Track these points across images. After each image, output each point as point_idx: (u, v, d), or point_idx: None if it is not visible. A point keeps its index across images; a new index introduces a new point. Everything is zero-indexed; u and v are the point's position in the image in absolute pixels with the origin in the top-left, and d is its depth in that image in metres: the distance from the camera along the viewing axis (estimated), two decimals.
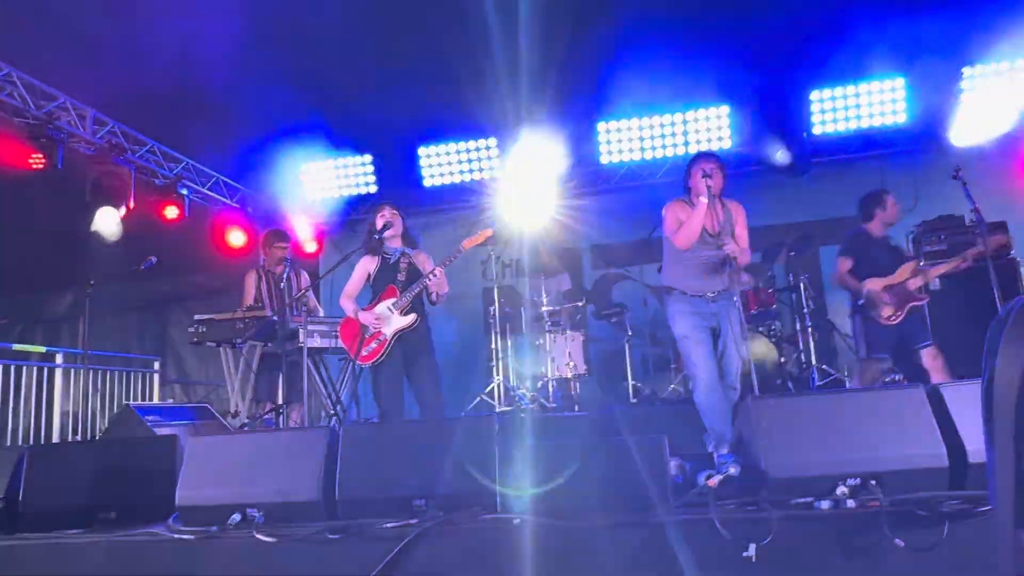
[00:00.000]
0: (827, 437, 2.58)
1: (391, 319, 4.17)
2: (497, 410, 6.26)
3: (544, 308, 6.53)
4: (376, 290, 4.32)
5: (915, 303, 4.75)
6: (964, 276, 5.33)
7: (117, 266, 6.09)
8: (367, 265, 4.40)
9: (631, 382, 6.58)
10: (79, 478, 3.10)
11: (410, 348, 4.19)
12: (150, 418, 4.55)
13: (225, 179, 8.26)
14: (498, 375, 6.45)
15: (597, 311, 7.36)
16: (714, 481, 2.44)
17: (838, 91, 7.32)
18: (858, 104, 7.31)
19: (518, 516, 2.55)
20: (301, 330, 4.83)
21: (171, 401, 7.97)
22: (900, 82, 7.17)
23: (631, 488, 2.58)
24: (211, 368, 9.23)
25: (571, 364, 6.41)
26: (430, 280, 4.17)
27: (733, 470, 2.52)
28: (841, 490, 2.46)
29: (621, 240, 7.96)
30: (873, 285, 4.79)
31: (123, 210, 6.56)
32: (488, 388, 6.53)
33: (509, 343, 6.86)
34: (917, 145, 7.43)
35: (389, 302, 4.21)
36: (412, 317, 4.18)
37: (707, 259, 4.01)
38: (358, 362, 4.13)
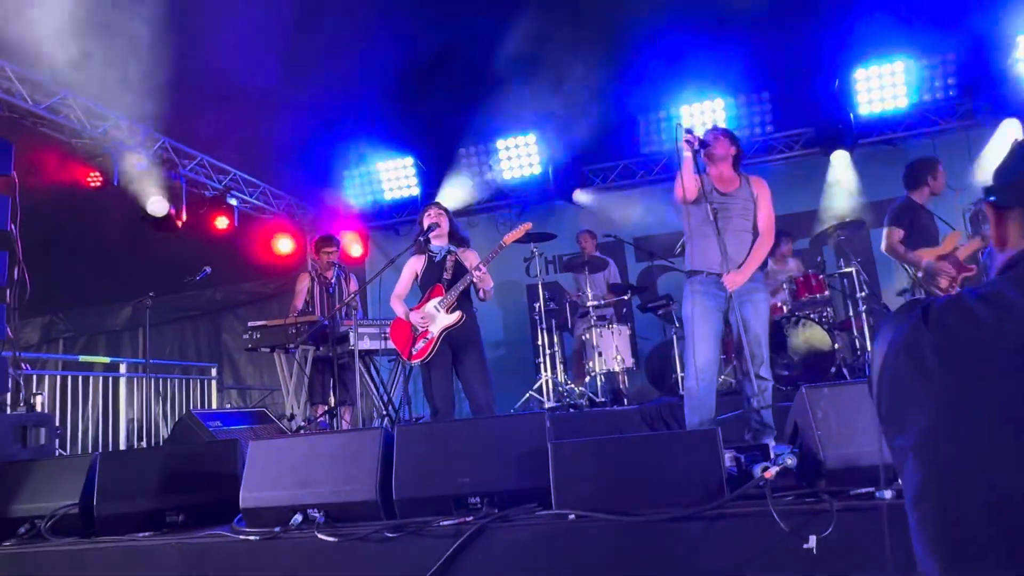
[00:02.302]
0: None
1: (438, 317, 4.23)
2: (547, 406, 6.28)
3: (590, 303, 6.51)
4: (423, 289, 4.39)
5: (967, 274, 4.61)
6: None
7: (174, 278, 6.30)
8: (414, 265, 4.46)
9: (679, 374, 6.52)
10: (147, 482, 3.21)
11: (459, 345, 4.24)
12: (211, 423, 4.70)
13: (271, 188, 8.45)
14: (546, 371, 6.47)
15: (643, 304, 7.31)
16: (771, 472, 2.40)
17: (885, 68, 7.12)
18: (907, 81, 7.09)
19: (573, 512, 2.56)
20: (352, 333, 4.93)
21: (230, 406, 8.19)
22: (952, 56, 6.94)
23: (686, 481, 2.56)
24: (265, 373, 9.48)
25: (619, 358, 6.38)
26: (474, 277, 4.21)
27: (790, 461, 2.48)
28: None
29: (663, 231, 7.89)
30: (927, 255, 4.68)
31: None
32: (536, 384, 6.55)
33: (555, 339, 6.87)
34: (971, 119, 7.18)
35: (436, 301, 4.27)
36: (458, 315, 4.22)
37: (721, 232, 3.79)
38: (408, 361, 4.20)
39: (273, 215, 8.52)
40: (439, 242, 4.47)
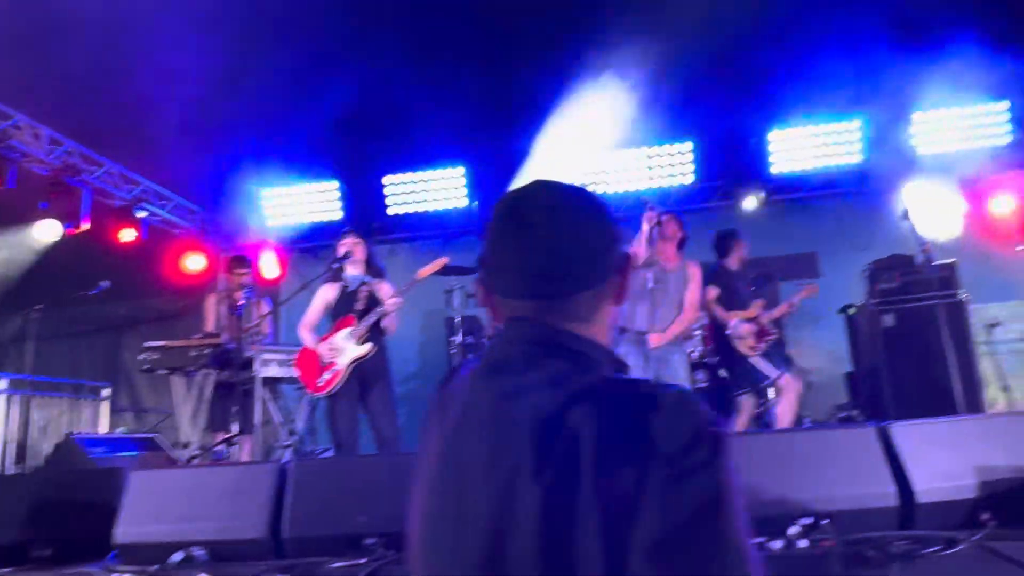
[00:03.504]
0: (780, 476, 2.59)
1: (347, 349, 4.11)
2: None
3: None
4: (334, 318, 4.27)
5: (770, 337, 5.16)
6: (915, 315, 5.51)
7: (68, 290, 5.92)
8: (326, 294, 4.35)
9: None
10: (13, 512, 2.96)
11: (367, 377, 4.13)
12: (94, 449, 4.38)
13: (186, 202, 8.13)
14: None
15: None
16: None
17: (797, 131, 7.53)
18: (816, 144, 7.51)
19: None
20: (256, 359, 4.73)
21: (123, 430, 7.70)
22: (857, 123, 7.40)
23: None
24: (166, 396, 8.97)
25: None
26: (387, 309, 4.13)
27: None
28: (794, 530, 2.46)
29: None
30: (735, 317, 5.14)
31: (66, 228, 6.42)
32: None
33: None
34: (873, 185, 7.64)
35: (346, 331, 4.16)
36: (369, 346, 4.12)
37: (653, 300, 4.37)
38: (313, 392, 4.05)
39: (185, 231, 8.18)
40: (354, 271, 4.38)
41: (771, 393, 5.52)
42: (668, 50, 5.59)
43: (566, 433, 0.84)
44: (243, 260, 5.91)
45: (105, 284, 5.47)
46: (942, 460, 2.60)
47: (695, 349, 6.49)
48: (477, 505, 0.87)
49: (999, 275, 7.52)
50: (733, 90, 6.83)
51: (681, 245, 4.76)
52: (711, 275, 5.37)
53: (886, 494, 2.55)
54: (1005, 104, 7.05)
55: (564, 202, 1.02)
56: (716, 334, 5.39)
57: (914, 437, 2.65)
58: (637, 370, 4.31)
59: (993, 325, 6.03)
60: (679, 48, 5.52)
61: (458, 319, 6.63)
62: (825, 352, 7.57)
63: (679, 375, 4.51)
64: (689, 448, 0.82)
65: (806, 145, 7.54)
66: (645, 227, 4.41)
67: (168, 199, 7.84)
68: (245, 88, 6.41)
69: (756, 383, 5.13)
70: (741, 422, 5.33)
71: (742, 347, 5.10)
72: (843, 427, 3.50)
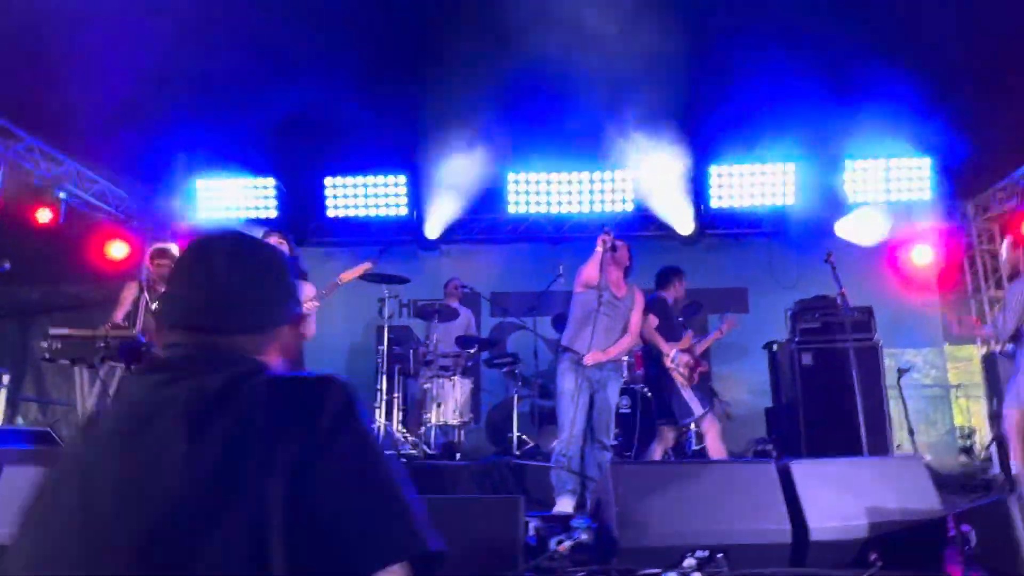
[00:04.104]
0: (680, 507, 2.59)
1: None
2: None
3: (435, 352, 6.42)
4: None
5: (702, 370, 5.38)
6: (832, 356, 5.70)
7: None
8: None
9: (516, 434, 6.52)
10: None
11: None
12: None
13: (113, 188, 7.80)
14: (380, 417, 6.25)
15: (490, 359, 7.31)
16: (564, 547, 2.39)
17: (736, 168, 7.72)
18: (753, 183, 7.72)
19: None
20: None
21: (21, 422, 7.28)
22: (792, 167, 7.64)
23: (484, 549, 2.49)
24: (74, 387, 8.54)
25: (457, 411, 6.29)
26: (305, 308, 4.00)
27: (585, 536, 2.48)
28: (689, 562, 2.46)
29: (520, 290, 8.00)
30: (673, 347, 5.23)
31: None
32: None
33: (398, 385, 6.68)
34: (803, 227, 7.88)
35: None
36: None
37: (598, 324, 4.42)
38: None
39: (110, 216, 7.84)
40: None
41: (692, 426, 5.62)
42: (610, 77, 5.67)
43: (226, 409, 0.95)
44: (167, 251, 5.66)
45: (6, 266, 5.15)
46: (837, 500, 2.64)
47: (622, 374, 6.54)
48: (122, 481, 0.94)
49: (916, 323, 7.86)
50: (677, 124, 6.95)
51: (627, 273, 4.91)
52: (651, 304, 5.45)
53: (781, 531, 2.57)
54: (928, 160, 7.39)
55: (245, 253, 1.14)
56: (651, 361, 5.44)
57: (812, 476, 2.69)
58: (574, 391, 4.36)
59: (905, 370, 6.26)
60: (621, 75, 5.60)
61: (387, 328, 6.51)
62: (748, 386, 7.75)
63: (611, 401, 4.61)
64: (333, 414, 0.97)
65: (744, 183, 7.74)
66: (599, 249, 4.51)
67: (94, 181, 7.50)
68: (187, 77, 6.22)
69: (681, 417, 5.18)
70: (660, 450, 5.38)
71: (677, 377, 5.16)
72: (745, 462, 3.55)
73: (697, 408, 5.09)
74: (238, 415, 0.95)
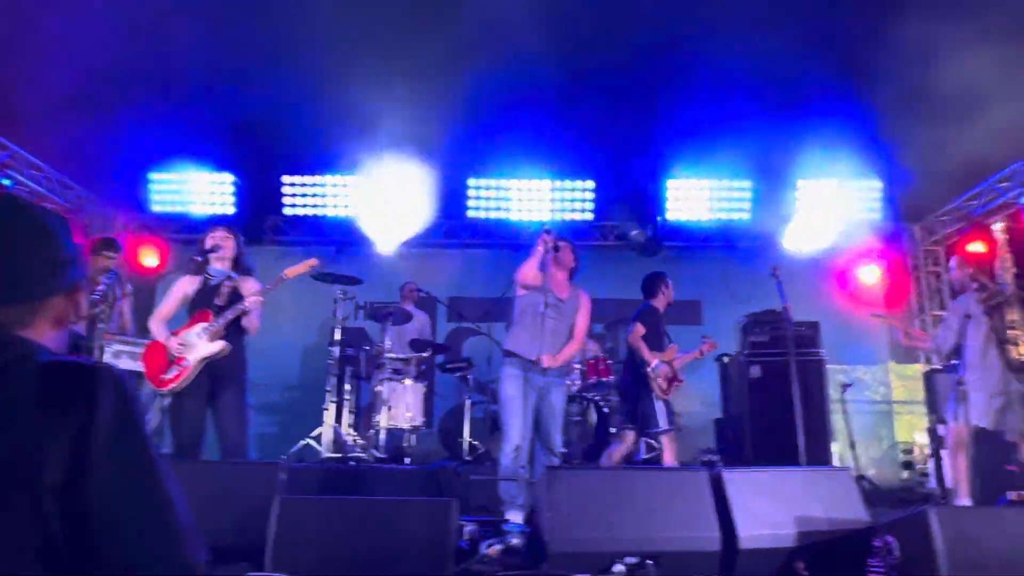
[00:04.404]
0: (613, 513, 2.60)
1: (198, 345, 3.87)
2: (323, 456, 5.95)
3: (387, 354, 6.35)
4: (191, 313, 4.03)
5: (679, 383, 5.29)
6: (778, 369, 5.78)
7: None
8: (185, 286, 4.09)
9: (468, 439, 6.50)
10: None
11: (219, 378, 3.90)
12: None
13: (60, 176, 7.58)
14: (329, 420, 6.17)
15: (444, 364, 7.27)
16: (495, 550, 2.38)
17: (693, 183, 7.83)
18: (708, 198, 7.84)
19: (286, 575, 2.36)
20: (106, 349, 4.41)
21: None
22: (747, 184, 7.78)
23: (415, 551, 2.46)
24: None
25: (408, 415, 6.24)
26: (246, 307, 3.93)
27: (516, 540, 2.47)
28: (619, 568, 2.47)
29: (476, 295, 7.99)
30: (656, 358, 5.21)
31: None
32: (316, 432, 6.21)
33: (349, 387, 6.60)
34: (756, 242, 8.03)
35: (200, 327, 3.92)
36: (221, 344, 3.89)
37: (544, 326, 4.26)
38: (157, 389, 3.79)
39: (55, 205, 7.61)
40: (220, 266, 4.15)
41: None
42: (570, 91, 5.71)
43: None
44: (113, 243, 5.50)
45: None
46: (767, 509, 2.68)
47: (574, 383, 6.55)
48: None
49: (863, 340, 8.05)
50: (635, 137, 7.03)
51: (572, 275, 4.75)
52: (640, 313, 5.44)
53: (711, 539, 2.60)
54: (878, 183, 7.60)
55: (7, 220, 1.06)
56: (632, 368, 5.38)
57: (743, 485, 2.73)
58: (518, 397, 4.25)
59: (848, 385, 6.40)
60: (577, 88, 5.65)
61: (338, 329, 6.43)
62: (700, 397, 7.84)
63: (557, 407, 4.44)
64: (109, 416, 0.95)
65: (700, 198, 7.85)
66: (540, 249, 4.33)
67: (40, 169, 7.28)
68: (144, 67, 6.08)
69: (645, 427, 5.17)
70: (620, 452, 5.32)
71: (655, 387, 5.15)
72: (677, 470, 3.59)
73: (663, 423, 5.10)
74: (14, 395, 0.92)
